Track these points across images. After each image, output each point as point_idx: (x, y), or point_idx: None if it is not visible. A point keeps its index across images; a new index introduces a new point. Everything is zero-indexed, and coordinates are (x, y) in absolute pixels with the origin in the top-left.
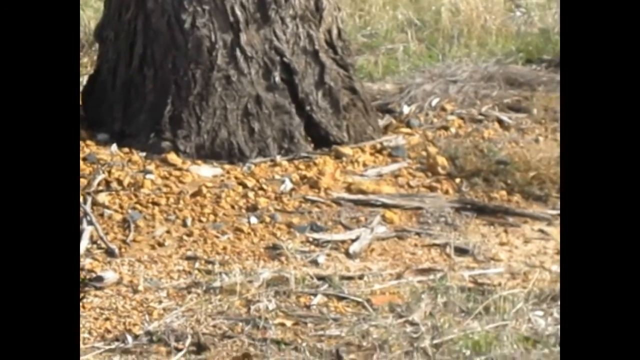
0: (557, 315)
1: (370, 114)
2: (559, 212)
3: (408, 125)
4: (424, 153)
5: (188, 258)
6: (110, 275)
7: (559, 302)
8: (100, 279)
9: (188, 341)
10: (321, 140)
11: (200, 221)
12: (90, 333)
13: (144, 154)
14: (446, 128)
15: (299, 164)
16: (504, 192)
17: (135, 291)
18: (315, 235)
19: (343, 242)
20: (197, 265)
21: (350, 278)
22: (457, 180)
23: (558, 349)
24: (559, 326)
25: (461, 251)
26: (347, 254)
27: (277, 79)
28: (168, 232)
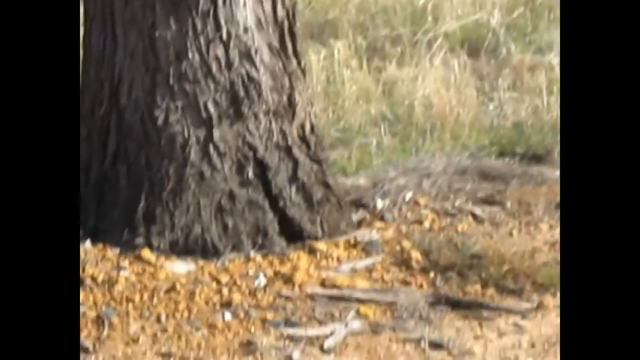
0: None
1: (344, 209)
2: (533, 305)
3: (382, 219)
4: (397, 247)
5: (163, 355)
6: None
7: None
8: None
9: None
10: (295, 235)
11: (175, 317)
12: None
13: (117, 250)
14: (420, 222)
15: (273, 259)
16: (478, 286)
17: None
18: (290, 331)
19: (318, 337)
20: None
21: None
22: (431, 274)
23: None
24: None
25: (436, 345)
26: (322, 349)
27: (251, 174)
28: (142, 328)
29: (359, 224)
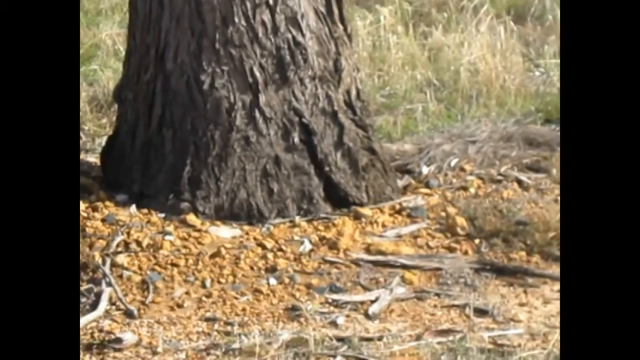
0: None
1: (389, 175)
2: None
3: (427, 185)
4: (443, 214)
5: (207, 319)
6: (129, 337)
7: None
8: (119, 340)
9: None
10: (340, 201)
11: (219, 282)
12: None
13: (163, 215)
14: (465, 189)
15: (318, 224)
16: (523, 253)
17: (154, 353)
18: (335, 297)
19: (362, 303)
20: (216, 326)
21: (369, 339)
22: (477, 241)
23: None
24: None
25: (481, 312)
26: (367, 315)
27: (296, 139)
28: (187, 293)
29: (404, 190)
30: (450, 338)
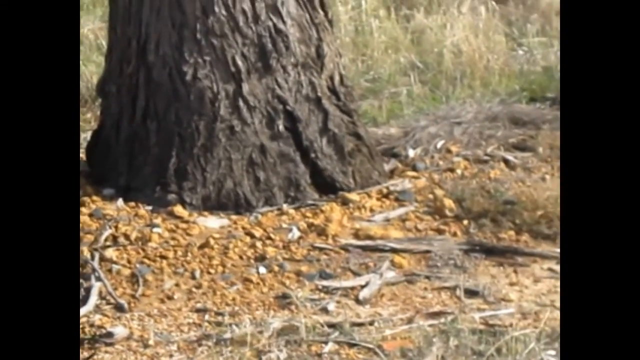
0: None
1: (376, 159)
2: None
3: (414, 168)
4: (430, 196)
5: (198, 310)
6: (120, 331)
7: (559, 341)
8: (110, 334)
9: None
10: (327, 187)
11: (209, 273)
12: None
13: (150, 207)
14: (452, 170)
15: (305, 211)
16: (512, 232)
17: (146, 346)
18: (325, 283)
19: (352, 288)
20: (207, 317)
21: (361, 324)
22: (465, 222)
23: None
24: None
25: (471, 293)
26: (357, 301)
27: (281, 127)
28: (177, 285)
29: (391, 174)
30: (442, 320)
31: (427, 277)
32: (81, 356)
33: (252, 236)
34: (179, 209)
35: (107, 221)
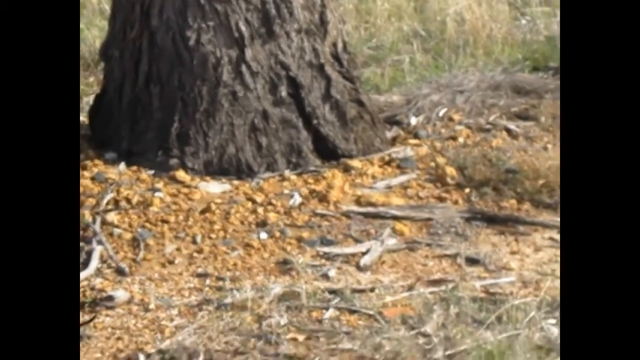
0: None
1: (378, 126)
2: None
3: (416, 136)
4: (432, 164)
5: (199, 275)
6: (121, 295)
7: (560, 310)
8: (111, 298)
9: (200, 358)
10: (329, 153)
11: (210, 238)
12: (102, 353)
13: (152, 172)
14: (454, 138)
15: (307, 178)
16: (513, 201)
17: (147, 310)
18: (326, 249)
19: (353, 255)
20: (207, 282)
21: (361, 291)
22: (467, 190)
23: None
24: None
25: (472, 261)
26: (358, 267)
27: (284, 93)
28: (178, 249)
29: (393, 141)
30: (443, 288)
31: (428, 245)
32: (81, 319)
33: (254, 202)
34: (180, 174)
35: (109, 185)
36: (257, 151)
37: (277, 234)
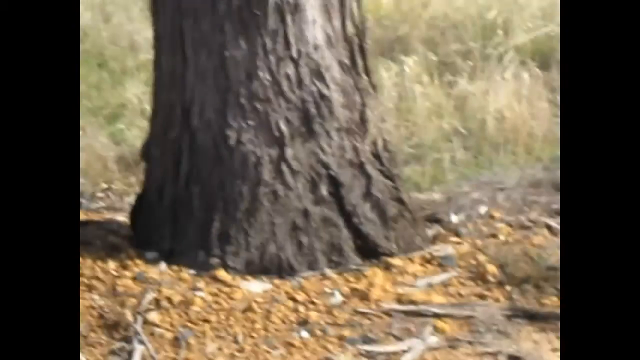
0: None
1: (419, 224)
2: None
3: (457, 234)
4: (473, 262)
5: None
6: None
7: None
8: None
9: None
10: (370, 251)
11: (252, 337)
12: None
13: (193, 271)
14: (495, 236)
15: (348, 276)
16: (555, 298)
17: None
18: (367, 348)
19: (395, 353)
20: None
21: None
22: (508, 287)
23: None
24: None
25: (514, 359)
26: None
27: (324, 192)
28: (219, 349)
29: (434, 239)
30: None
31: (470, 343)
32: None
33: (295, 300)
34: (222, 273)
35: (150, 284)
36: (298, 250)
37: (319, 333)
